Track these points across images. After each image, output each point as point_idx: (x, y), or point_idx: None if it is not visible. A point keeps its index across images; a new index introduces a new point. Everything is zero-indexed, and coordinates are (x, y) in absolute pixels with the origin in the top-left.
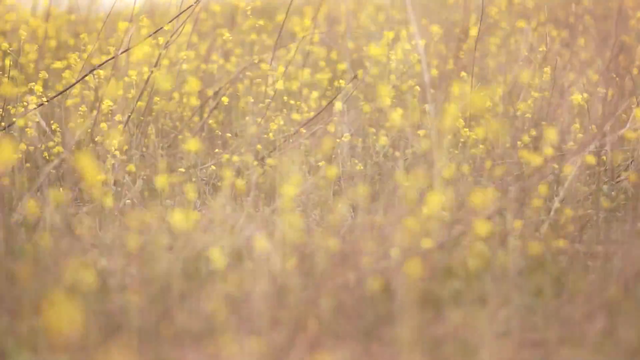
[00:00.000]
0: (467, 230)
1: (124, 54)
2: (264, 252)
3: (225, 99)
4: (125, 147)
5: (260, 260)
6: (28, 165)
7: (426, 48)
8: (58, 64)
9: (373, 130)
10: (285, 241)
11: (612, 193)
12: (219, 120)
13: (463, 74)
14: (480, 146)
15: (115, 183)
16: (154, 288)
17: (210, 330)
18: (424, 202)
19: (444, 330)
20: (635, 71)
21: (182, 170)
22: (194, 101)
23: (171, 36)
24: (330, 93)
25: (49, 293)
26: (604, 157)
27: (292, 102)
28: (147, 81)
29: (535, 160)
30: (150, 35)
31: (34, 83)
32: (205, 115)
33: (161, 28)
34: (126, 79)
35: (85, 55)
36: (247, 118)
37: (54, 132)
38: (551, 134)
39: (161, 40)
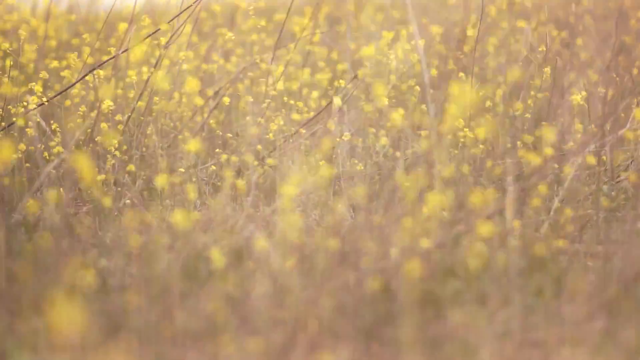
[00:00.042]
0: (467, 230)
1: (124, 54)
2: (264, 252)
3: (226, 99)
4: (125, 147)
5: (260, 260)
6: (28, 165)
7: (426, 48)
8: (57, 64)
9: (373, 130)
10: (285, 241)
11: (612, 193)
12: (219, 120)
13: (461, 74)
14: (480, 146)
15: (115, 183)
16: (154, 288)
17: (210, 330)
18: (424, 202)
19: (444, 330)
20: (635, 71)
21: (182, 170)
22: (199, 101)
23: (171, 36)
24: (331, 93)
25: (49, 293)
26: (604, 157)
27: (292, 102)
28: (147, 81)
29: (535, 160)
30: (149, 36)
31: (34, 83)
32: (206, 115)
33: (159, 29)
34: (127, 79)
35: (85, 55)
36: (247, 118)
37: (54, 132)
38: (549, 134)
39: (163, 41)
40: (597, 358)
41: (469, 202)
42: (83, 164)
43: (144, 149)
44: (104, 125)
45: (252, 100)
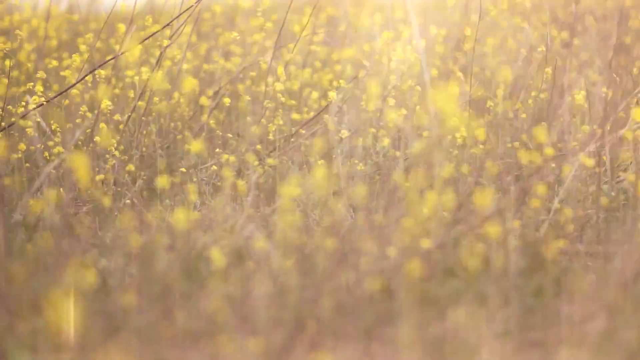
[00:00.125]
0: (467, 230)
1: (123, 54)
2: (264, 252)
3: (227, 100)
4: (122, 147)
5: (260, 260)
6: (28, 165)
7: (426, 48)
8: (56, 63)
9: (373, 130)
10: (285, 241)
11: (612, 193)
12: (219, 120)
13: (459, 74)
14: (480, 146)
15: (115, 183)
16: (154, 288)
17: (210, 330)
18: (424, 202)
19: (444, 330)
20: (635, 71)
21: (183, 170)
22: (205, 101)
23: (171, 36)
24: (331, 93)
25: (49, 293)
26: (604, 157)
27: (292, 102)
28: (147, 81)
29: (536, 160)
30: (149, 37)
31: (31, 83)
32: (206, 115)
33: (158, 31)
34: (127, 79)
35: (85, 55)
36: (247, 118)
37: (54, 132)
38: (542, 134)
39: (165, 42)
40: (597, 358)
41: (469, 202)
42: (80, 164)
43: (143, 149)
44: (103, 125)
45: (252, 100)
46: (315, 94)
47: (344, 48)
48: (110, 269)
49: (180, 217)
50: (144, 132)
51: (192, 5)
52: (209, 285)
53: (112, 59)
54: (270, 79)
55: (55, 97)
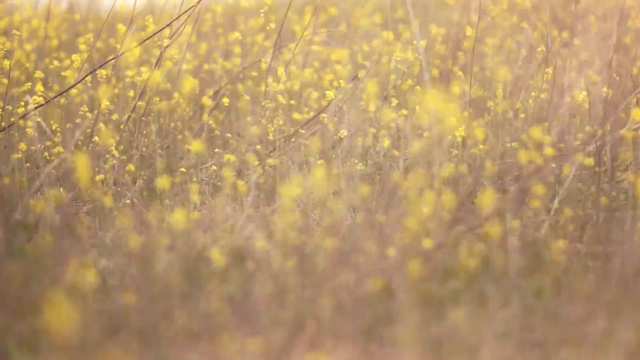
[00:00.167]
0: (467, 230)
1: (123, 54)
2: (264, 252)
3: (226, 100)
4: (121, 147)
5: (260, 260)
6: (28, 165)
7: (426, 48)
8: (58, 64)
9: (373, 130)
10: (285, 241)
11: (612, 193)
12: (219, 120)
13: (460, 73)
14: (480, 146)
15: (115, 183)
16: (154, 288)
17: (210, 330)
18: (424, 202)
19: (444, 330)
20: (635, 71)
21: (183, 170)
22: (207, 101)
23: (171, 36)
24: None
25: (49, 293)
26: (604, 157)
27: (292, 102)
28: (146, 81)
29: (536, 160)
30: (149, 38)
31: (29, 84)
32: (206, 115)
33: (158, 31)
34: (127, 79)
35: (84, 55)
36: (247, 118)
37: (54, 132)
38: (538, 133)
39: (165, 42)
40: (597, 358)
41: (469, 202)
42: (81, 164)
43: (143, 149)
44: (101, 125)
45: (252, 100)
46: (315, 94)
47: (344, 48)
48: (110, 269)
49: (179, 218)
50: (144, 132)
51: (193, 6)
52: (209, 285)
53: (112, 59)
54: (270, 79)
55: (55, 97)
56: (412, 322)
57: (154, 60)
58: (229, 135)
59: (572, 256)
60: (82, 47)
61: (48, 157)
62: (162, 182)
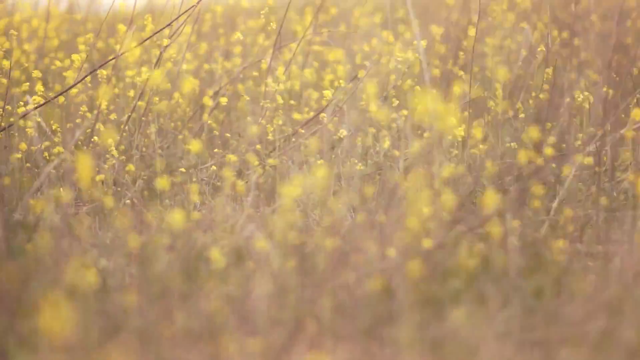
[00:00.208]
0: (467, 230)
1: (123, 54)
2: (264, 252)
3: (224, 100)
4: (122, 147)
5: (260, 260)
6: (28, 165)
7: (426, 48)
8: (59, 63)
9: (373, 130)
10: (285, 241)
11: (612, 193)
12: (219, 120)
13: (460, 72)
14: (480, 146)
15: (115, 183)
16: (154, 288)
17: (210, 330)
18: (424, 202)
19: (444, 330)
20: (635, 71)
21: (183, 170)
22: (207, 101)
23: (171, 36)
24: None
25: (49, 293)
26: (604, 157)
27: (292, 102)
28: (146, 81)
29: (536, 160)
30: (149, 38)
31: (27, 83)
32: (206, 115)
33: (158, 31)
34: (127, 79)
35: (84, 55)
36: (247, 118)
37: (54, 132)
38: (535, 133)
39: (165, 42)
40: (597, 358)
41: (469, 202)
42: (82, 164)
43: (143, 149)
44: (100, 125)
45: (252, 100)
46: (315, 94)
47: (343, 48)
48: (110, 269)
49: (178, 218)
50: (144, 132)
51: (193, 6)
52: (209, 285)
53: (112, 59)
54: (269, 79)
55: (55, 97)
56: (412, 322)
57: (154, 61)
58: (228, 135)
59: (572, 256)
60: (82, 47)
61: (48, 157)
62: (162, 182)
